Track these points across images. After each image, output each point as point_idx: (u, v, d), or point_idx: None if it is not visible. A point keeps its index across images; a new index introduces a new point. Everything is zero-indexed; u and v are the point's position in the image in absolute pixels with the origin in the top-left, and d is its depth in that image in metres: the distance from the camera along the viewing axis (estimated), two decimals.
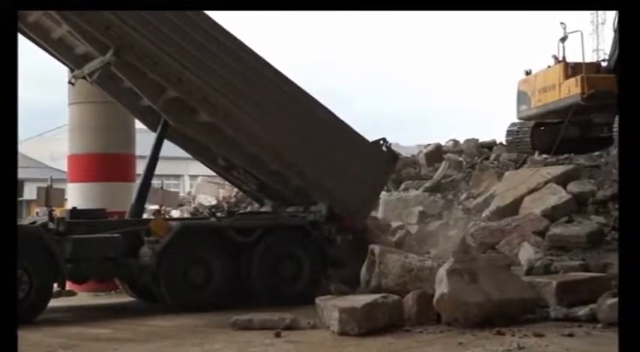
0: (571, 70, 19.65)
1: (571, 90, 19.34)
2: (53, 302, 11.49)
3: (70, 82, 13.63)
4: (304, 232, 12.59)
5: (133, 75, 11.66)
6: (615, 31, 19.57)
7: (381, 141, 13.61)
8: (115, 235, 11.52)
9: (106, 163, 15.07)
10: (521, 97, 21.43)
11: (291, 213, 13.33)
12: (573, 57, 20.11)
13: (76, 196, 15.06)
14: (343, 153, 13.02)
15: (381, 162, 13.54)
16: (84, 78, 12.48)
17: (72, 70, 12.92)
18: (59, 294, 11.72)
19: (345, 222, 12.92)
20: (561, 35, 19.79)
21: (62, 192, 14.61)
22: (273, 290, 12.13)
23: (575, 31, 19.75)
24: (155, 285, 11.75)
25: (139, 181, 13.08)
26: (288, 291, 12.17)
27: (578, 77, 19.19)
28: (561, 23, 19.73)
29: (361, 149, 13.33)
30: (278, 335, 9.15)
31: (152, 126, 12.88)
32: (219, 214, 13.64)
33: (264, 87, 12.40)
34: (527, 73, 21.46)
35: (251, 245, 12.14)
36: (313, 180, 12.77)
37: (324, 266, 12.57)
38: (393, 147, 13.99)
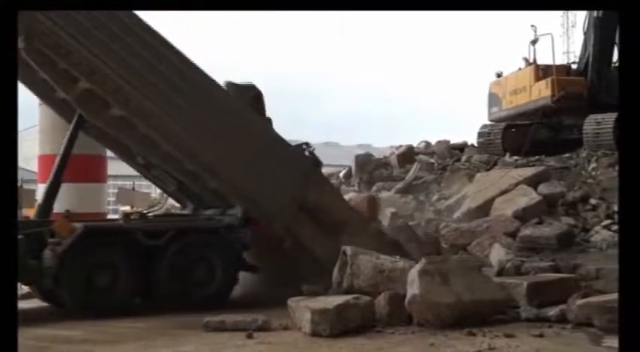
0: (541, 72, 19.87)
1: (541, 92, 19.55)
2: (20, 304, 11.37)
3: None
4: (218, 236, 12.27)
5: (44, 64, 11.31)
6: (585, 33, 19.81)
7: (304, 146, 13.29)
8: (18, 237, 10.67)
9: (76, 164, 14.86)
10: (493, 99, 21.61)
11: (207, 216, 13.01)
12: (544, 59, 20.32)
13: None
14: (262, 157, 12.56)
15: (302, 168, 13.03)
16: None
17: None
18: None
19: (261, 226, 12.58)
20: (532, 38, 20.01)
21: (32, 192, 14.50)
22: (183, 295, 11.80)
23: (546, 34, 19.97)
24: (57, 289, 11.40)
25: (48, 180, 12.63)
26: (198, 296, 11.88)
27: (549, 79, 19.40)
28: (532, 26, 19.97)
29: (282, 153, 12.93)
30: (250, 337, 9.14)
31: (69, 120, 12.52)
32: (133, 216, 13.09)
33: (182, 84, 12.00)
34: (499, 76, 21.64)
35: (160, 248, 11.76)
36: (229, 183, 12.42)
37: (237, 270, 12.29)
38: (366, 149, 13.95)
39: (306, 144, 13.35)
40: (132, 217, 12.83)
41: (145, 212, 14.15)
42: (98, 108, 11.78)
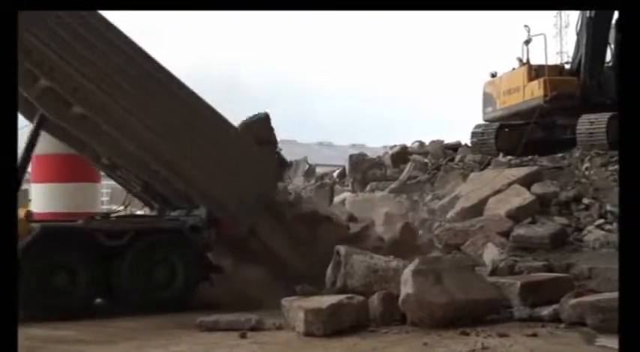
0: (534, 72, 19.93)
1: (534, 92, 19.62)
2: None
3: None
4: (181, 236, 12.05)
5: None
6: (578, 33, 19.88)
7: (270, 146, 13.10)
8: None
9: (70, 164, 14.88)
10: (487, 99, 21.68)
11: (171, 217, 12.81)
12: (538, 59, 20.38)
13: (39, 197, 14.91)
14: (226, 156, 12.45)
15: (268, 168, 12.91)
16: None
17: None
18: None
19: (226, 227, 12.38)
20: (525, 38, 20.08)
21: (25, 193, 14.47)
22: (144, 296, 11.59)
23: (539, 34, 20.03)
24: None
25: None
26: (160, 297, 11.68)
27: (541, 79, 19.46)
28: (525, 26, 20.03)
29: (248, 153, 12.77)
30: (243, 336, 9.13)
31: (31, 119, 12.26)
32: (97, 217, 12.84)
33: (145, 84, 11.85)
34: (493, 76, 21.69)
35: (121, 249, 11.54)
36: (193, 183, 12.24)
37: (200, 271, 12.05)
38: (360, 148, 13.94)
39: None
40: (95, 217, 12.58)
41: (108, 212, 13.90)
42: (59, 106, 11.62)
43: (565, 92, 19.32)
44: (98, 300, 11.91)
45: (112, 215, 13.11)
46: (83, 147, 12.62)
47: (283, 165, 13.28)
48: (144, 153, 11.96)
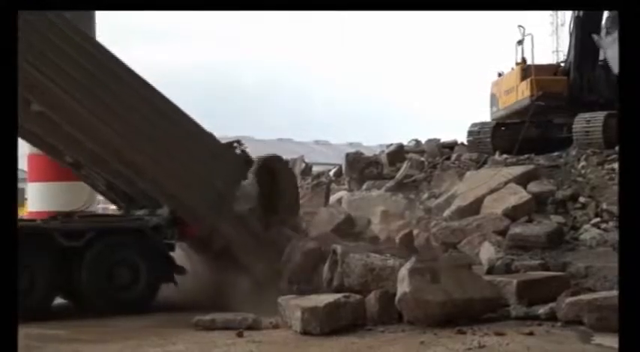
0: (522, 72, 20.08)
1: (524, 92, 19.76)
2: None
3: None
4: (142, 236, 11.88)
5: None
6: (571, 34, 19.94)
7: (235, 144, 12.90)
8: None
9: None
10: (492, 99, 21.89)
11: (134, 216, 12.64)
12: (541, 59, 20.53)
13: (36, 196, 14.92)
14: (189, 155, 12.18)
15: (233, 166, 12.59)
16: None
17: None
18: None
19: (189, 227, 12.21)
20: (520, 38, 20.18)
21: (21, 191, 14.46)
22: (105, 298, 11.51)
23: (528, 35, 20.14)
24: None
25: None
26: (122, 299, 11.58)
27: (529, 80, 19.61)
28: (519, 26, 20.08)
29: (211, 151, 12.52)
30: (240, 335, 9.14)
31: None
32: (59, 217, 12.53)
33: (106, 81, 11.61)
34: (500, 75, 21.84)
35: (80, 249, 11.41)
36: (155, 182, 11.97)
37: (162, 272, 11.93)
38: (356, 147, 13.83)
39: (238, 142, 13.01)
40: (56, 217, 12.35)
41: (71, 212, 13.40)
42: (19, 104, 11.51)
43: (552, 92, 19.42)
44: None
45: (75, 214, 12.83)
46: (46, 145, 12.45)
47: (248, 163, 12.92)
48: (104, 151, 11.70)
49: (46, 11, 11.01)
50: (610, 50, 18.45)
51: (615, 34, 17.42)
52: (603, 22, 18.84)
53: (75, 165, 12.87)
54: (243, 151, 12.92)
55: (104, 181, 12.93)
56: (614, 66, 18.05)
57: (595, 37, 18.89)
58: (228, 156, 12.69)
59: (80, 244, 11.44)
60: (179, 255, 12.42)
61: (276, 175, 13.16)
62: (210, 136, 12.63)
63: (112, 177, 12.40)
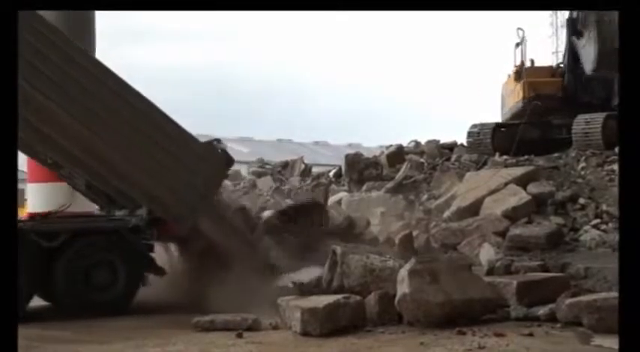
0: (516, 74, 20.24)
1: (519, 94, 19.92)
2: None
3: None
4: (120, 237, 11.72)
5: None
6: (568, 36, 20.04)
7: (215, 143, 12.69)
8: None
9: None
10: (502, 100, 22.10)
11: (113, 217, 12.47)
12: (545, 61, 20.71)
13: (35, 197, 14.90)
14: (167, 155, 11.94)
15: (212, 166, 12.37)
16: None
17: None
18: None
19: (168, 227, 12.00)
20: (518, 40, 20.32)
21: (21, 192, 14.44)
22: (81, 299, 11.37)
23: (522, 38, 20.25)
24: None
25: None
26: (99, 300, 11.42)
27: (522, 81, 19.74)
28: (518, 29, 20.18)
29: (190, 150, 12.24)
30: (240, 336, 9.14)
31: None
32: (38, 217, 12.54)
33: (82, 80, 11.43)
34: (509, 77, 22.02)
35: (56, 250, 11.28)
36: (132, 182, 11.80)
37: (141, 273, 11.85)
38: (356, 148, 13.79)
39: (217, 140, 12.85)
40: (34, 218, 12.31)
41: (50, 212, 13.24)
42: None
43: (545, 93, 19.54)
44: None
45: (53, 215, 12.70)
46: (25, 145, 11.92)
47: (229, 162, 12.77)
48: (80, 151, 11.54)
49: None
50: (583, 51, 18.60)
51: (589, 35, 17.60)
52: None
53: (55, 165, 12.68)
54: (223, 150, 12.72)
55: (84, 181, 12.70)
56: (587, 66, 18.22)
57: (573, 38, 19.02)
58: (208, 156, 12.45)
59: (56, 245, 11.31)
60: (160, 255, 12.29)
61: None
62: (187, 134, 12.41)
63: (91, 177, 12.19)
